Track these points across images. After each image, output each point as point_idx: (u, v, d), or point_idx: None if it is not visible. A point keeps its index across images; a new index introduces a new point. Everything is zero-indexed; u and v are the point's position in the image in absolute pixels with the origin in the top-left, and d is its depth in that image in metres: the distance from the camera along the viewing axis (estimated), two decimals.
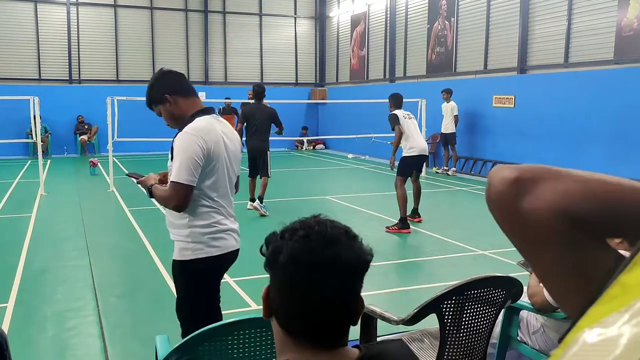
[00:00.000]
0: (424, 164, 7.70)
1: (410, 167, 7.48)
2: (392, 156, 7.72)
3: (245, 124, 8.50)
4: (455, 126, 13.19)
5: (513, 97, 12.51)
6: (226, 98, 15.23)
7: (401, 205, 7.19)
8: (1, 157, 16.28)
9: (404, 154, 7.46)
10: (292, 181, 12.37)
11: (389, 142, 8.29)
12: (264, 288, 1.13)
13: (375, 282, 5.29)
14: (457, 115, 13.11)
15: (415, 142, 7.37)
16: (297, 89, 21.13)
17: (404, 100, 7.81)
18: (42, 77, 17.92)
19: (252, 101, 9.16)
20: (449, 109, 13.14)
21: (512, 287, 2.61)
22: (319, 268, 1.04)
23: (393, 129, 7.48)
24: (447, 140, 13.31)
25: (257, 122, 8.44)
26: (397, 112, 7.52)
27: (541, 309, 2.80)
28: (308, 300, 1.06)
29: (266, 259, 1.11)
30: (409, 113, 7.68)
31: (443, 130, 13.30)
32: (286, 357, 1.09)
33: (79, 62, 18.40)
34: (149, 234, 7.02)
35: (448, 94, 13.21)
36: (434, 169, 14.13)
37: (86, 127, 17.81)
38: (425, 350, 2.83)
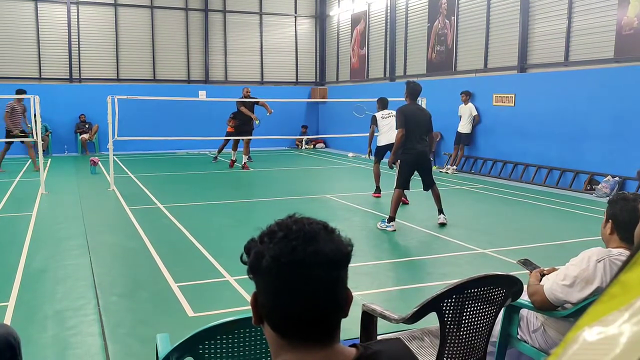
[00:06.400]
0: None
1: (379, 153, 9.89)
2: (369, 147, 10.79)
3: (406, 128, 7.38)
4: (477, 125, 13.42)
5: (513, 95, 12.51)
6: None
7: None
8: None
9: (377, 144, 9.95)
10: (293, 180, 12.38)
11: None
12: (251, 295, 1.14)
13: (376, 280, 5.29)
14: (476, 115, 13.31)
15: (381, 137, 9.77)
16: (297, 87, 21.13)
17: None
18: (42, 76, 17.92)
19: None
20: (468, 110, 13.32)
21: (512, 285, 2.61)
22: (302, 265, 1.05)
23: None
24: (461, 139, 13.44)
25: (418, 125, 7.43)
26: (376, 114, 9.98)
27: (541, 307, 2.80)
28: (297, 299, 1.06)
29: (249, 266, 1.11)
30: (390, 112, 9.70)
31: (459, 130, 13.47)
32: (282, 358, 1.09)
33: (79, 61, 18.39)
34: (150, 233, 7.02)
35: (467, 96, 13.42)
36: (435, 167, 14.14)
37: (87, 126, 17.82)
38: (426, 348, 2.83)
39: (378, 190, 9.89)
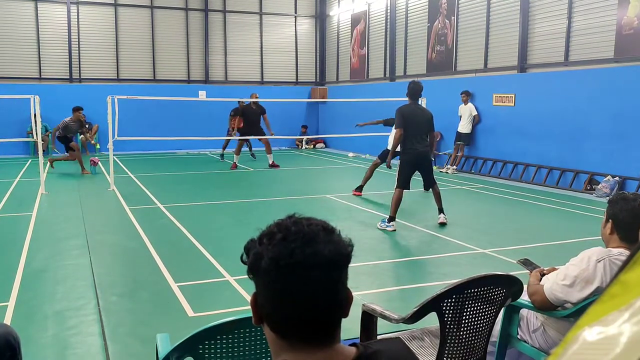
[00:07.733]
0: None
1: (383, 156, 9.77)
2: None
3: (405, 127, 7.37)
4: (477, 125, 13.48)
5: (513, 95, 12.51)
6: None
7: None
8: (2, 156, 16.29)
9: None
10: (293, 180, 12.37)
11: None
12: (251, 295, 1.14)
13: (376, 280, 5.29)
14: (476, 115, 13.38)
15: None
16: (297, 87, 21.13)
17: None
18: (42, 76, 17.92)
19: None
20: (467, 110, 13.39)
21: (512, 285, 2.61)
22: (301, 268, 1.04)
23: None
24: (461, 139, 13.49)
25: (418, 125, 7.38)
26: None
27: (541, 307, 2.80)
28: (296, 300, 1.06)
29: (248, 267, 1.11)
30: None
31: (459, 130, 13.53)
32: (282, 359, 1.09)
33: (79, 61, 18.39)
34: (150, 233, 7.02)
35: (467, 96, 13.49)
36: (435, 167, 14.14)
37: (87, 126, 17.80)
38: (426, 348, 2.83)
39: (360, 188, 9.99)
